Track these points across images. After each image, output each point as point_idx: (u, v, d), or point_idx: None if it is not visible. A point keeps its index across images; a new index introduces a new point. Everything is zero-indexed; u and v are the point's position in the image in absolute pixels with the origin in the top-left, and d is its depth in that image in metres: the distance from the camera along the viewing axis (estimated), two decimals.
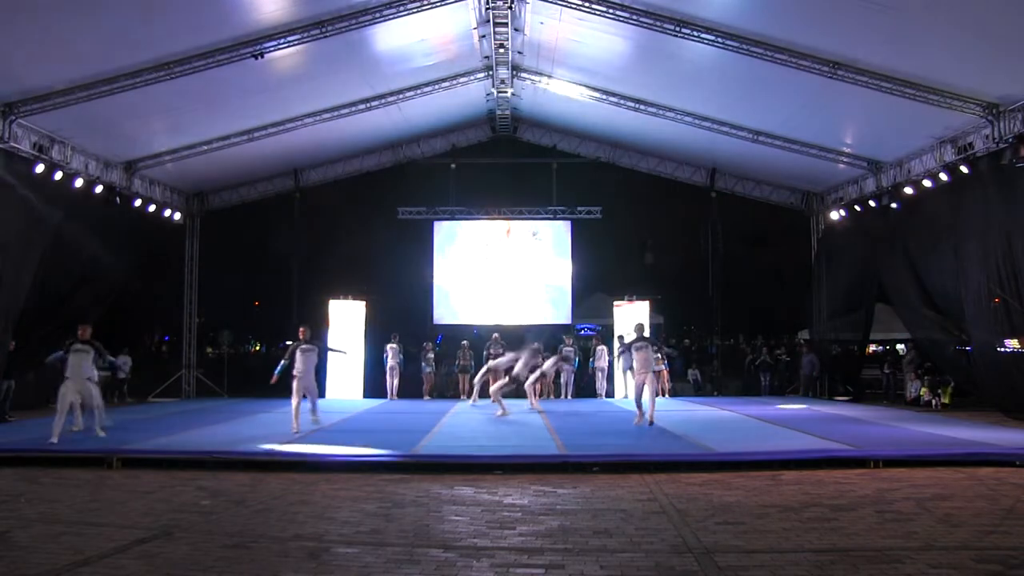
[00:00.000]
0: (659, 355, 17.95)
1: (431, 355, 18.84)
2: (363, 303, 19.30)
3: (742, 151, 17.25)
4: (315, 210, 20.98)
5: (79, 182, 14.66)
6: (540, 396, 18.33)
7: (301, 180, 20.17)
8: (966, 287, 13.56)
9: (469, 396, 18.06)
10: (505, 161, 20.92)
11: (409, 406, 16.39)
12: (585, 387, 19.16)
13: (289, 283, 20.59)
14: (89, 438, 10.34)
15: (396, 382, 18.40)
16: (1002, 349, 13.39)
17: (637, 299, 19.38)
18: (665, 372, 18.13)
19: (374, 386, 18.64)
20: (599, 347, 18.88)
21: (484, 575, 4.88)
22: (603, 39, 13.76)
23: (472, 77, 16.70)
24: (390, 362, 18.36)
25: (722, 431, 11.63)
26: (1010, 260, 12.41)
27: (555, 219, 20.87)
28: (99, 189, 15.28)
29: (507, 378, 14.52)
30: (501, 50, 15.00)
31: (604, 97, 16.23)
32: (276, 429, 11.66)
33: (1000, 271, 12.68)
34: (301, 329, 11.82)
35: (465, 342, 18.73)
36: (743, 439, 10.60)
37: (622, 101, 16.17)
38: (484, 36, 14.63)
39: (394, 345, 18.43)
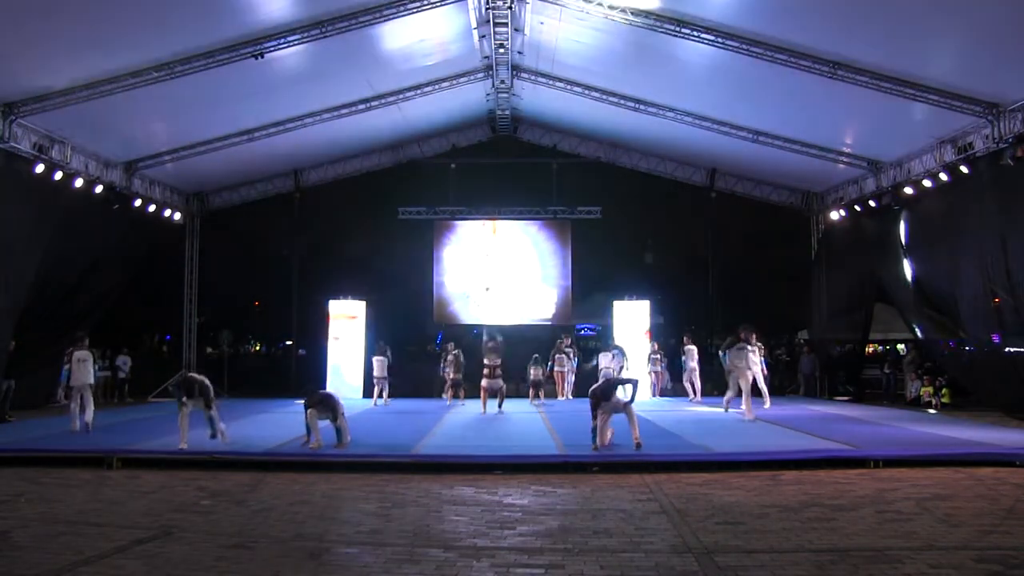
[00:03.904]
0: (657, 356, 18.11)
1: (451, 356, 16.42)
2: (363, 303, 19.28)
3: (742, 151, 17.25)
4: (315, 210, 20.98)
5: (79, 182, 14.66)
6: (539, 396, 18.27)
7: (301, 180, 20.19)
8: (963, 286, 13.57)
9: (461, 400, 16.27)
10: (505, 161, 20.94)
11: (409, 406, 16.34)
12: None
13: (289, 283, 20.60)
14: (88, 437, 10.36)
15: (383, 393, 16.62)
16: (1010, 349, 13.34)
17: (637, 299, 19.40)
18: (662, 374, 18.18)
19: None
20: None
21: (484, 575, 4.88)
22: (603, 39, 13.77)
23: (472, 77, 16.70)
24: (376, 374, 16.61)
25: (722, 431, 11.63)
26: (1004, 259, 12.43)
27: (555, 219, 20.88)
28: (99, 189, 15.27)
29: None
30: (501, 50, 15.00)
31: (604, 97, 16.23)
32: (276, 429, 11.65)
33: (996, 270, 12.69)
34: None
35: (457, 351, 16.50)
36: (743, 439, 10.60)
37: (622, 101, 16.17)
38: (484, 36, 14.64)
39: (381, 358, 16.62)
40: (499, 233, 21.01)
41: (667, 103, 16.01)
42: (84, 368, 11.44)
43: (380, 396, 16.63)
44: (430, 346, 22.42)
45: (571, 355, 18.40)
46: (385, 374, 16.57)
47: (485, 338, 15.49)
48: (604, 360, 14.93)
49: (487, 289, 20.67)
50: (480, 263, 20.81)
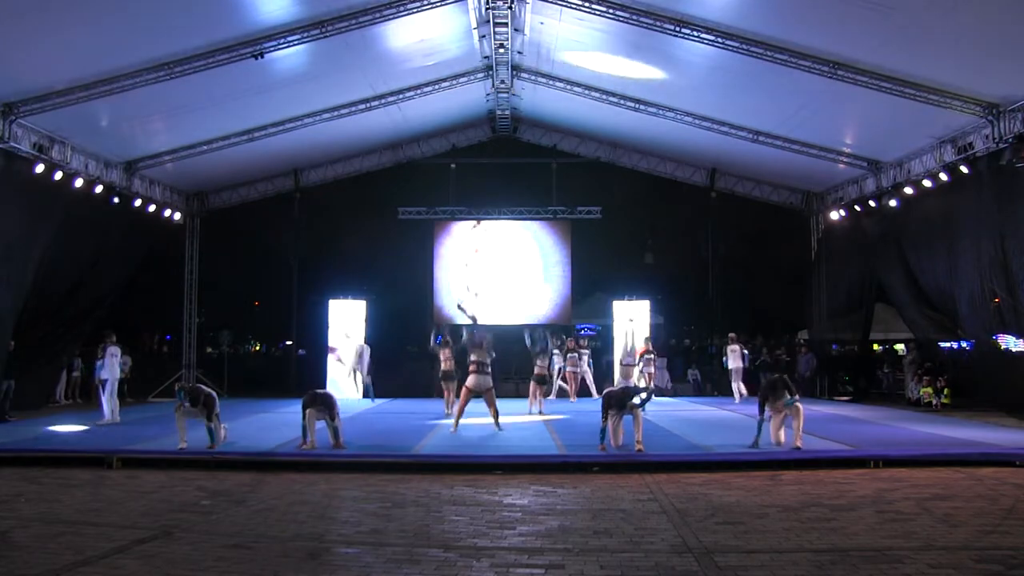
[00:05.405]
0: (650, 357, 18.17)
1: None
2: (363, 303, 19.27)
3: (742, 151, 17.25)
4: (315, 210, 20.98)
5: (79, 182, 14.65)
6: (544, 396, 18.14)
7: (301, 180, 20.19)
8: (962, 286, 13.58)
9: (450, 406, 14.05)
10: (505, 161, 20.92)
11: (410, 406, 16.34)
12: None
13: (289, 283, 20.60)
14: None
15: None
16: (1011, 349, 13.32)
17: (637, 299, 19.37)
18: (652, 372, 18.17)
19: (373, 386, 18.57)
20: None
21: (484, 575, 4.88)
22: (603, 39, 13.76)
23: (472, 77, 16.68)
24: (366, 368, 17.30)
25: (722, 431, 11.63)
26: (1003, 259, 12.43)
27: (555, 219, 20.88)
28: (99, 189, 15.26)
29: None
30: (501, 50, 14.98)
31: (604, 97, 16.22)
32: (276, 429, 11.64)
33: (995, 270, 12.69)
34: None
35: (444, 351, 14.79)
36: (743, 439, 10.58)
37: (622, 101, 16.16)
38: (484, 36, 14.63)
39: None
40: (499, 233, 21.00)
41: (667, 103, 16.00)
42: (115, 362, 12.40)
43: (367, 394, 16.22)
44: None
45: (582, 355, 18.33)
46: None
47: (467, 334, 12.77)
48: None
49: (476, 294, 20.64)
50: (480, 263, 20.79)
